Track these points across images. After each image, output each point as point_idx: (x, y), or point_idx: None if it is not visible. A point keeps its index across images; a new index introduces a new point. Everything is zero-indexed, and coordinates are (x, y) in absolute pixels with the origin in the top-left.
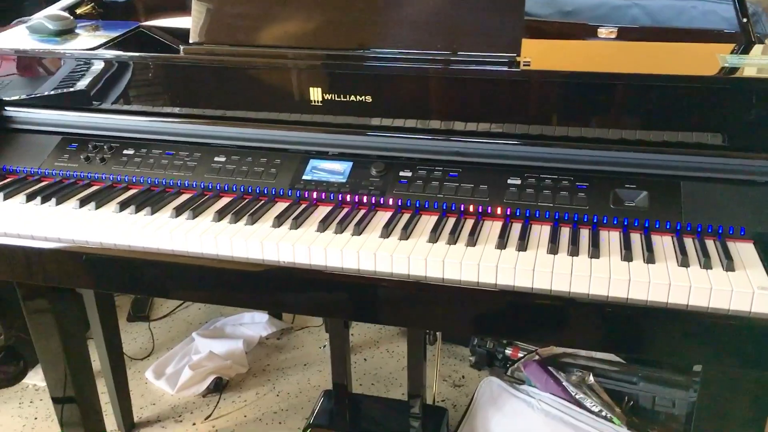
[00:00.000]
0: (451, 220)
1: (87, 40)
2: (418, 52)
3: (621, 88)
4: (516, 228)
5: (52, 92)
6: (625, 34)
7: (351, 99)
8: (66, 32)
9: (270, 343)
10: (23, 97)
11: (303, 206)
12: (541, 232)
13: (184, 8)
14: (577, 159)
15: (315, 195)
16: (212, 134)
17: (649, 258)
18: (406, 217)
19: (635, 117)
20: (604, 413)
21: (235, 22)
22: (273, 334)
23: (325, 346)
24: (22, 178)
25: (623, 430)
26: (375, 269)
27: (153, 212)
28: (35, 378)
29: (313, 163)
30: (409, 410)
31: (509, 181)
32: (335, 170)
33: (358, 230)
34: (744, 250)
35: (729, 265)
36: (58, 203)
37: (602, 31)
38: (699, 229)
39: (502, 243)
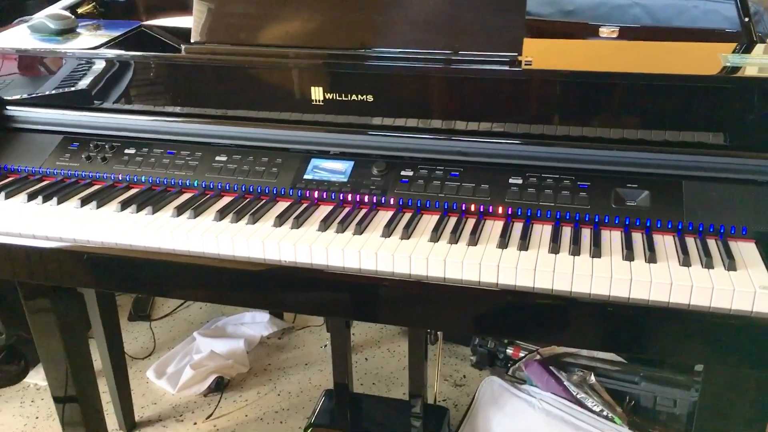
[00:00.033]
0: (453, 220)
1: (88, 39)
2: (420, 52)
3: (622, 88)
4: (517, 227)
5: (54, 91)
6: (626, 33)
7: (352, 98)
8: (67, 31)
9: (271, 342)
10: (24, 96)
11: (304, 206)
12: (542, 231)
13: (185, 7)
14: (579, 158)
15: (316, 194)
16: (214, 133)
17: (651, 257)
18: (407, 216)
19: (637, 116)
20: (605, 413)
21: (236, 22)
22: (274, 334)
23: (326, 346)
24: (24, 177)
25: (624, 430)
26: (376, 269)
27: (154, 211)
28: (36, 377)
29: (314, 162)
30: (410, 410)
31: (511, 181)
32: (336, 170)
33: (360, 230)
34: (746, 250)
35: (731, 264)
36: (59, 202)
37: (603, 31)
38: (701, 229)
39: (503, 242)
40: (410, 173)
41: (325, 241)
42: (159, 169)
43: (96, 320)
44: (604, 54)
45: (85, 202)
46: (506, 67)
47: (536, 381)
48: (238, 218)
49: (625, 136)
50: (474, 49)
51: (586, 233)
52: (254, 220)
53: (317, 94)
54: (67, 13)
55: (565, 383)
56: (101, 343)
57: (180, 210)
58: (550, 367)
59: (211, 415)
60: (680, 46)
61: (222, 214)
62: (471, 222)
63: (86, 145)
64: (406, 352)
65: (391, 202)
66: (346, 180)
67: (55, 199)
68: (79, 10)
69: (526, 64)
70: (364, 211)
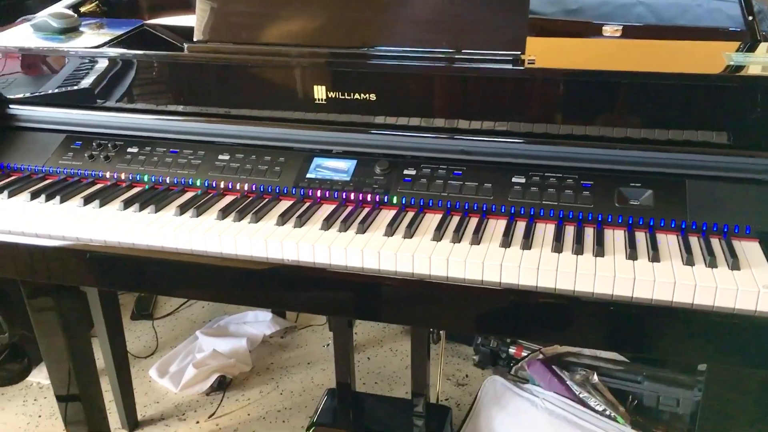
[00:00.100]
0: (456, 219)
1: (91, 38)
2: (423, 50)
3: (626, 87)
4: (520, 226)
5: (56, 90)
6: (629, 32)
7: (355, 97)
8: (70, 30)
9: (273, 341)
10: (27, 95)
11: (307, 204)
12: (545, 230)
13: (188, 6)
14: (582, 157)
15: (319, 193)
16: (216, 132)
17: (654, 257)
18: (410, 215)
19: (640, 115)
20: (608, 412)
21: (239, 21)
22: (276, 333)
23: (328, 345)
24: (27, 176)
25: (627, 430)
26: (379, 268)
27: (157, 210)
28: (39, 376)
29: (317, 161)
30: (413, 409)
31: (513, 180)
32: (339, 168)
33: (362, 228)
34: (749, 249)
35: (734, 263)
36: (62, 201)
37: (607, 30)
38: (704, 228)
39: (506, 241)
40: (413, 172)
41: (327, 240)
42: (162, 168)
43: (99, 319)
44: (607, 53)
45: (87, 200)
46: (509, 66)
47: (539, 380)
48: (240, 217)
49: (628, 135)
50: (477, 47)
51: (589, 232)
52: (257, 219)
53: (320, 92)
54: (70, 12)
55: (567, 382)
56: (104, 342)
57: (183, 209)
58: (553, 367)
59: (213, 414)
60: (684, 44)
61: (225, 212)
62: (474, 221)
63: (89, 143)
64: (409, 352)
65: (394, 201)
66: (348, 179)
67: (57, 198)
68: (82, 9)
69: (529, 63)
70: (366, 210)
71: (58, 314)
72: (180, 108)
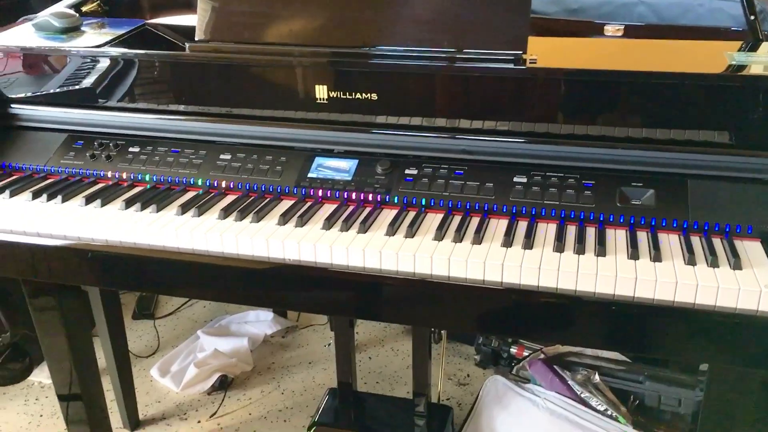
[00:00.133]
0: (457, 218)
1: (93, 37)
2: (424, 50)
3: (627, 86)
4: (522, 226)
5: (58, 90)
6: (631, 31)
7: (356, 96)
8: (72, 30)
9: (275, 341)
10: (29, 94)
11: (308, 204)
12: (547, 230)
13: (189, 6)
14: (584, 157)
15: (320, 193)
16: (218, 132)
17: (656, 256)
18: (411, 215)
19: (642, 115)
20: (609, 412)
21: (240, 20)
22: (278, 332)
23: (330, 345)
24: (28, 175)
25: (629, 429)
26: (380, 267)
27: (158, 210)
28: (41, 375)
29: (318, 160)
30: (414, 409)
31: (515, 179)
32: (341, 168)
33: (364, 228)
34: (751, 249)
35: (736, 263)
36: (63, 201)
37: (609, 29)
38: (706, 228)
39: (508, 241)
40: (414, 172)
41: (329, 240)
42: (163, 168)
43: (100, 318)
44: (609, 52)
45: (89, 200)
46: (511, 66)
47: (540, 380)
48: (242, 216)
49: (629, 134)
50: (478, 47)
51: (590, 232)
52: (258, 219)
53: (321, 92)
54: (72, 12)
55: (569, 382)
56: (105, 342)
57: (184, 208)
58: (554, 366)
59: (214, 414)
60: (685, 44)
61: (226, 212)
62: (475, 220)
63: (90, 143)
64: (410, 351)
65: (396, 201)
66: (350, 178)
67: (59, 197)
68: (84, 9)
69: (530, 63)
70: (368, 209)
71: (59, 314)
72: (181, 107)
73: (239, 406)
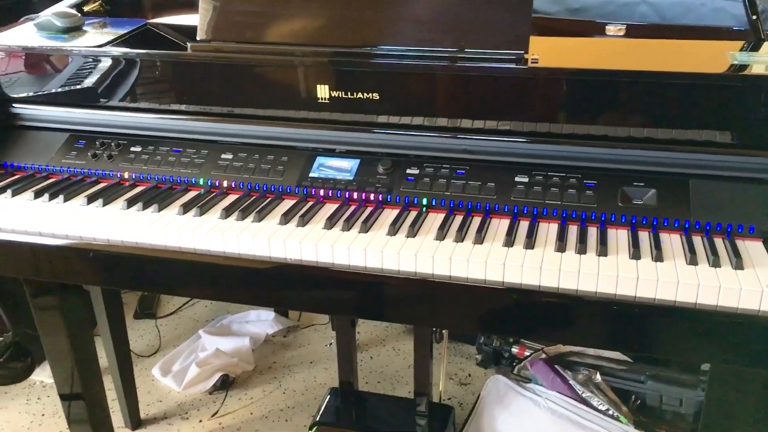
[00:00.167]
0: (459, 218)
1: (94, 37)
2: (426, 50)
3: (629, 86)
4: (523, 226)
5: (60, 89)
6: (633, 31)
7: (358, 96)
8: (73, 29)
9: (276, 340)
10: (31, 94)
11: (310, 203)
12: (548, 229)
13: (191, 5)
14: (585, 156)
15: (322, 192)
16: (219, 131)
17: (658, 256)
18: (413, 214)
19: (643, 114)
20: (611, 412)
21: (242, 20)
22: (279, 332)
23: (331, 344)
24: (30, 175)
25: (630, 429)
26: (382, 267)
27: (160, 209)
28: (42, 374)
29: (320, 160)
30: (416, 408)
31: (517, 179)
32: (342, 167)
33: (365, 228)
34: (753, 249)
35: (738, 263)
36: (65, 200)
37: (610, 29)
38: (708, 227)
39: (509, 241)
40: (416, 171)
41: (330, 239)
42: (165, 167)
43: (102, 318)
44: (610, 52)
45: (91, 199)
46: (512, 65)
47: (542, 380)
48: (243, 216)
49: (631, 134)
50: (480, 46)
51: (592, 232)
52: (260, 218)
53: (323, 92)
54: (74, 11)
55: (570, 382)
56: (107, 341)
57: (186, 208)
58: (556, 366)
59: (216, 413)
60: (687, 44)
61: (228, 212)
62: (477, 220)
63: (92, 142)
64: (412, 351)
65: (397, 201)
66: (351, 178)
67: (61, 197)
68: (86, 8)
69: (532, 62)
70: (369, 209)
71: (61, 313)
72: (183, 107)
73: (241, 405)
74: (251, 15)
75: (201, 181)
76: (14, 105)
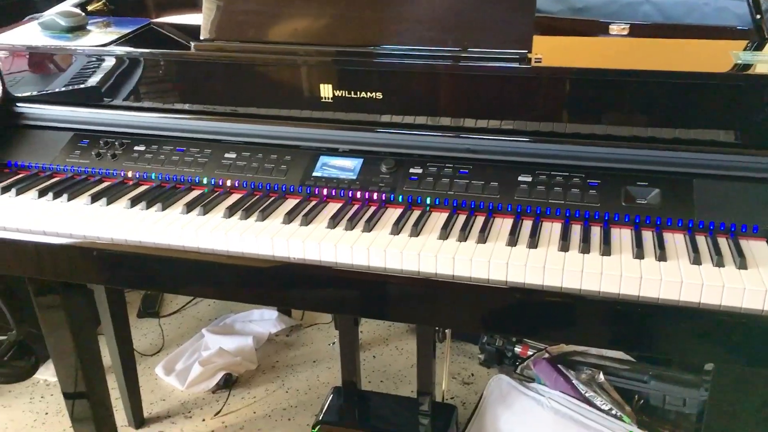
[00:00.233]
0: (462, 217)
1: (98, 36)
2: (429, 49)
3: (632, 85)
4: (527, 225)
5: (64, 88)
6: (636, 30)
7: (361, 96)
8: (77, 29)
9: (279, 339)
10: (35, 93)
11: (313, 203)
12: (552, 229)
13: (194, 5)
14: (589, 156)
15: (325, 191)
16: (223, 131)
17: (661, 256)
18: (416, 214)
19: (647, 114)
20: (614, 412)
21: (245, 19)
22: (282, 331)
23: (334, 343)
24: (34, 174)
25: (633, 429)
26: (385, 266)
27: (164, 208)
28: (46, 373)
29: (323, 159)
30: (419, 407)
31: (520, 178)
32: (345, 167)
33: (368, 227)
34: (757, 248)
35: (742, 263)
36: (69, 199)
37: (614, 28)
38: (711, 227)
39: (512, 240)
40: (419, 171)
41: (333, 239)
42: (168, 166)
43: (105, 317)
44: (614, 51)
45: (95, 198)
46: (516, 65)
47: (545, 379)
48: (247, 215)
49: (635, 133)
50: (483, 46)
51: (596, 231)
52: (263, 217)
53: (326, 91)
54: (78, 11)
55: (573, 382)
56: (110, 340)
57: (189, 207)
58: (559, 366)
59: (219, 412)
60: (691, 43)
61: (231, 211)
62: (480, 220)
63: (96, 142)
64: (414, 350)
65: (400, 200)
66: (354, 177)
67: (65, 196)
68: (89, 8)
69: (535, 62)
70: (372, 208)
71: (65, 312)
72: (187, 106)
73: (244, 404)
74: (255, 14)
75: (204, 181)
76: (18, 104)
